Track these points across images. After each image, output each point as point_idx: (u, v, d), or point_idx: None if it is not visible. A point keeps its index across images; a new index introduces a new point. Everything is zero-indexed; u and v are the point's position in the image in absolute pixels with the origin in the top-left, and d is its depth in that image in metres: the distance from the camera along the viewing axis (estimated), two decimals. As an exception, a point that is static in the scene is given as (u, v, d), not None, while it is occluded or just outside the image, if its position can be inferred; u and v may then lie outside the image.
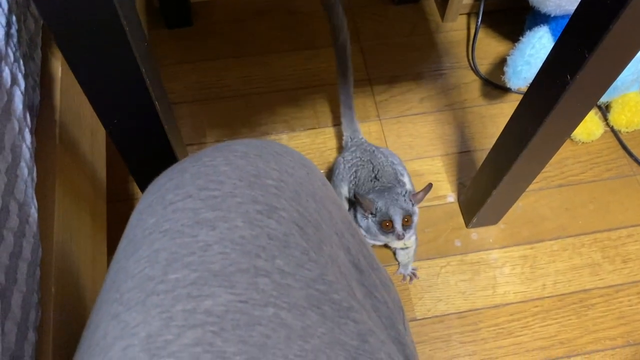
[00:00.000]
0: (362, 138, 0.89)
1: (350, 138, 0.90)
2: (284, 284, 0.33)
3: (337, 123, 1.00)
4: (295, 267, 0.34)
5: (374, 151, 0.85)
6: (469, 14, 1.12)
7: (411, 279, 0.86)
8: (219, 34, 1.07)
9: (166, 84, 1.02)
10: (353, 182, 0.82)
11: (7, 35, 0.41)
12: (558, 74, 0.55)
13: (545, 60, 0.58)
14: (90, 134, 0.60)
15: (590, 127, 0.97)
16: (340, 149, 0.94)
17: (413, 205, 0.76)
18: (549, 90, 0.58)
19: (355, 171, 0.83)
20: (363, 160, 0.84)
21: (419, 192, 0.76)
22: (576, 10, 0.51)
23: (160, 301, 0.31)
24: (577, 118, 0.62)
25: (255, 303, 0.31)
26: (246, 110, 1.00)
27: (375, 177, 0.81)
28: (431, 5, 1.13)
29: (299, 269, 0.34)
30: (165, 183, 0.38)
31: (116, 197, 0.88)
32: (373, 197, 0.76)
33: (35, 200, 0.41)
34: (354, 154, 0.85)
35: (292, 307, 0.32)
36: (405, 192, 0.76)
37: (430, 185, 0.77)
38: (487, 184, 0.79)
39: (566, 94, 0.56)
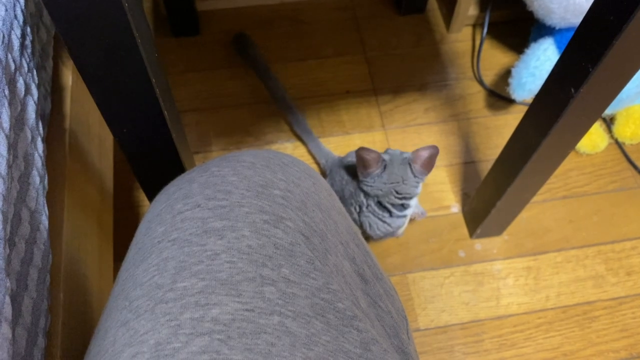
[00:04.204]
0: (335, 156, 0.92)
1: (326, 160, 0.92)
2: (289, 292, 0.33)
3: (342, 132, 1.00)
4: (300, 276, 0.34)
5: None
6: (474, 25, 1.13)
7: (422, 215, 0.88)
8: (225, 43, 1.08)
9: (173, 92, 1.03)
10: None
11: (22, 46, 0.42)
12: (562, 87, 0.56)
13: (549, 73, 0.59)
14: (98, 142, 0.61)
15: (594, 139, 0.97)
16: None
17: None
18: (553, 103, 0.59)
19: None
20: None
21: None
22: (580, 25, 0.52)
23: (168, 309, 0.31)
24: (582, 131, 0.63)
25: (261, 311, 0.32)
26: (251, 119, 1.01)
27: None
28: (436, 16, 1.14)
29: (304, 277, 0.34)
30: (174, 192, 0.38)
31: (122, 204, 0.88)
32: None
33: (46, 208, 0.42)
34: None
35: (297, 316, 0.32)
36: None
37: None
38: (491, 195, 0.79)
39: (570, 107, 0.56)
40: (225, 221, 0.35)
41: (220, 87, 1.04)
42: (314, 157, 0.97)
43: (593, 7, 0.50)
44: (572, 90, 0.54)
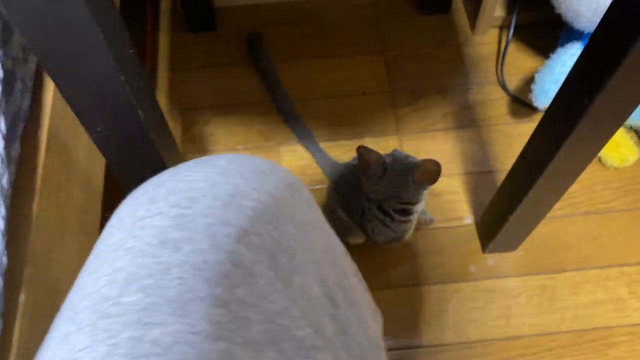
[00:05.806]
0: (342, 164, 0.88)
1: (332, 170, 0.89)
2: (242, 316, 0.30)
3: (354, 136, 0.97)
4: (257, 299, 0.31)
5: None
6: (500, 27, 1.07)
7: (429, 222, 0.86)
8: (241, 40, 1.06)
9: (187, 89, 1.02)
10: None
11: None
12: (576, 96, 0.51)
13: (564, 81, 0.54)
14: (87, 139, 0.59)
15: (624, 152, 0.91)
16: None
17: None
18: (567, 112, 0.54)
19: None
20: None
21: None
22: (595, 30, 0.47)
23: (109, 325, 0.29)
24: (599, 143, 0.58)
25: (206, 336, 0.29)
26: (263, 119, 0.98)
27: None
28: (461, 17, 1.09)
29: (261, 300, 0.31)
30: (140, 196, 0.36)
31: (116, 205, 0.87)
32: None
33: (2, 209, 0.40)
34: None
35: (247, 343, 0.30)
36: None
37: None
38: (504, 209, 0.75)
39: (585, 118, 0.52)
40: (184, 232, 0.33)
41: (235, 84, 1.02)
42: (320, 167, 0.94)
43: (608, 13, 0.45)
44: (586, 99, 0.49)
